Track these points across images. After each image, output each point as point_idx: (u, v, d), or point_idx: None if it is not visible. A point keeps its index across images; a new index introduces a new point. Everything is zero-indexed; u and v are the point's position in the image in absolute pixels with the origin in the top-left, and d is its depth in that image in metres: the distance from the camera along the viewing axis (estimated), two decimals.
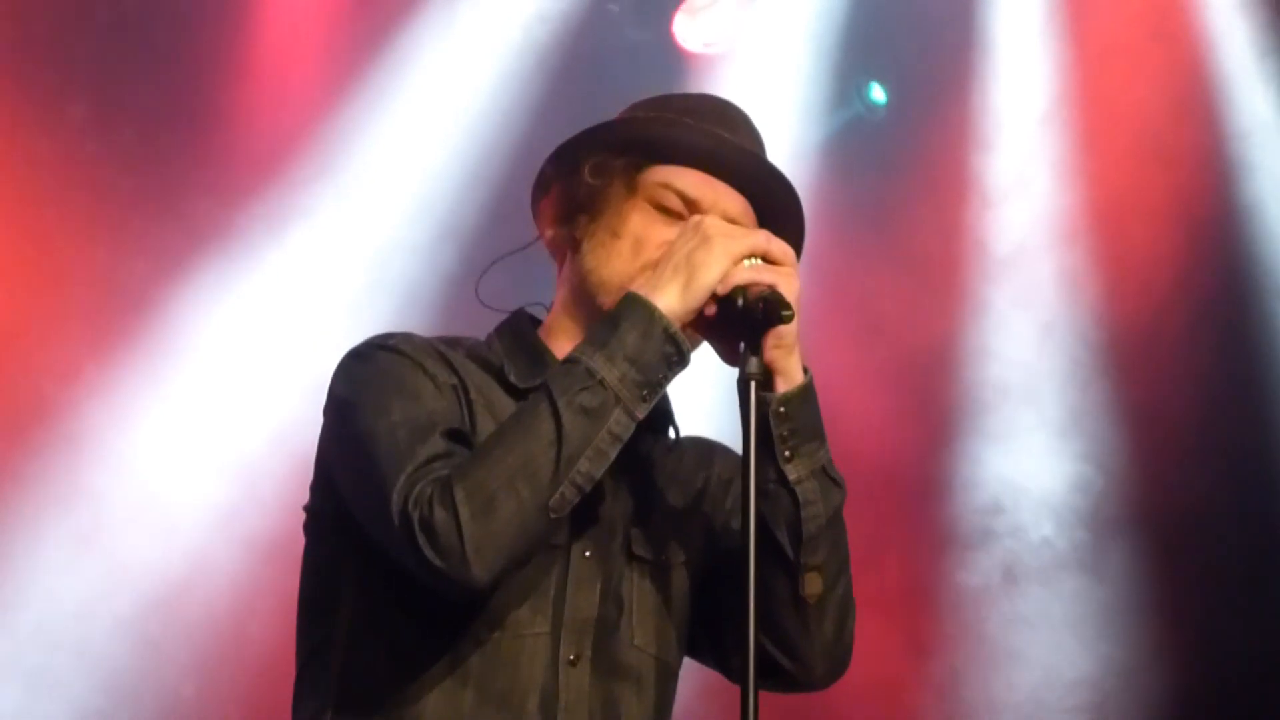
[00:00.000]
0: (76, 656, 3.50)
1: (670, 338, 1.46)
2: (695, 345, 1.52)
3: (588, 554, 1.59)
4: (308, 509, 1.58)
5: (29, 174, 3.51)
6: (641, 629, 1.63)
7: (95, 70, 3.72)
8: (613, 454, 1.45)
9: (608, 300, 1.59)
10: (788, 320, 1.43)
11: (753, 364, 1.43)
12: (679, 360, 1.48)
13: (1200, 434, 4.24)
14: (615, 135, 1.68)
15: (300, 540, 1.59)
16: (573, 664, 1.55)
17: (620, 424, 1.45)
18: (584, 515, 1.58)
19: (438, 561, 1.33)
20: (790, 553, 1.56)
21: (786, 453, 1.53)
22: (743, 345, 1.44)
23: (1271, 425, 4.08)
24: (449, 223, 3.64)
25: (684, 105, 1.78)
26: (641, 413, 1.46)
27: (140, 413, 3.34)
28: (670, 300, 1.46)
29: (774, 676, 1.60)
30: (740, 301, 1.42)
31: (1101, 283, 4.21)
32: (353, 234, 3.67)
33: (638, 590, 1.65)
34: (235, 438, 3.34)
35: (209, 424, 3.36)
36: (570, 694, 1.54)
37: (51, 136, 3.56)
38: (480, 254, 2.65)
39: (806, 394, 1.56)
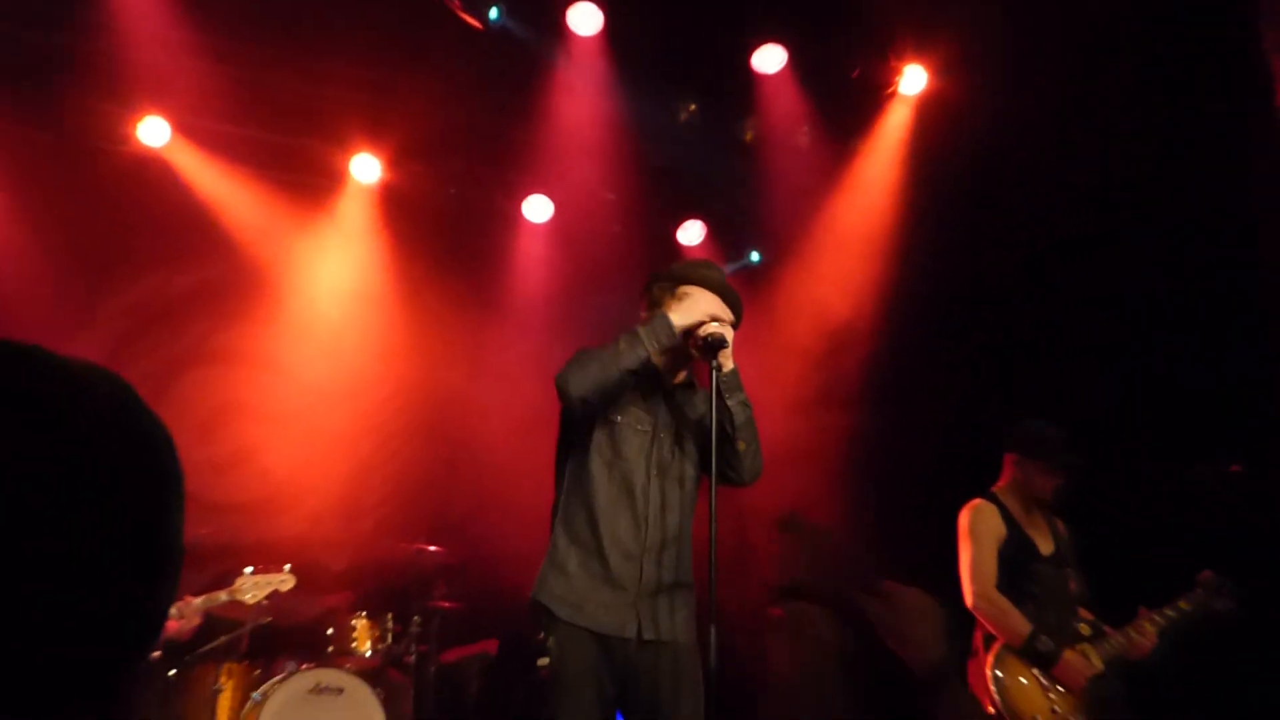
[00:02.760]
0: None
1: (669, 328, 2.94)
2: (695, 357, 3.09)
3: (661, 435, 3.09)
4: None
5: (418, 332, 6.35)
6: (683, 460, 3.15)
7: (436, 273, 6.47)
8: (637, 366, 2.92)
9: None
10: (725, 346, 2.87)
11: (714, 363, 2.87)
12: (671, 337, 2.96)
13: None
14: (667, 276, 3.19)
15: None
16: (655, 475, 3.06)
17: (642, 353, 2.91)
18: (660, 418, 3.10)
19: (563, 392, 2.93)
20: (731, 431, 3.00)
21: (727, 395, 2.97)
22: (710, 357, 2.89)
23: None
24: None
25: (693, 263, 3.29)
26: (655, 352, 2.93)
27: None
28: (675, 318, 2.94)
29: (729, 482, 3.09)
30: (708, 338, 2.87)
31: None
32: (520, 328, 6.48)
33: (678, 447, 3.14)
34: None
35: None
36: (652, 486, 3.06)
37: (424, 307, 6.40)
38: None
39: (734, 374, 2.99)
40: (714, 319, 3.05)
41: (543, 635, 3.07)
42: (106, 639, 0.74)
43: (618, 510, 3.09)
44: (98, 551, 0.73)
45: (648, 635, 3.07)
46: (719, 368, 2.99)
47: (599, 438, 3.13)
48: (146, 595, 0.77)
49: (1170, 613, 4.30)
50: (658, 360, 3.06)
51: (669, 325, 3.01)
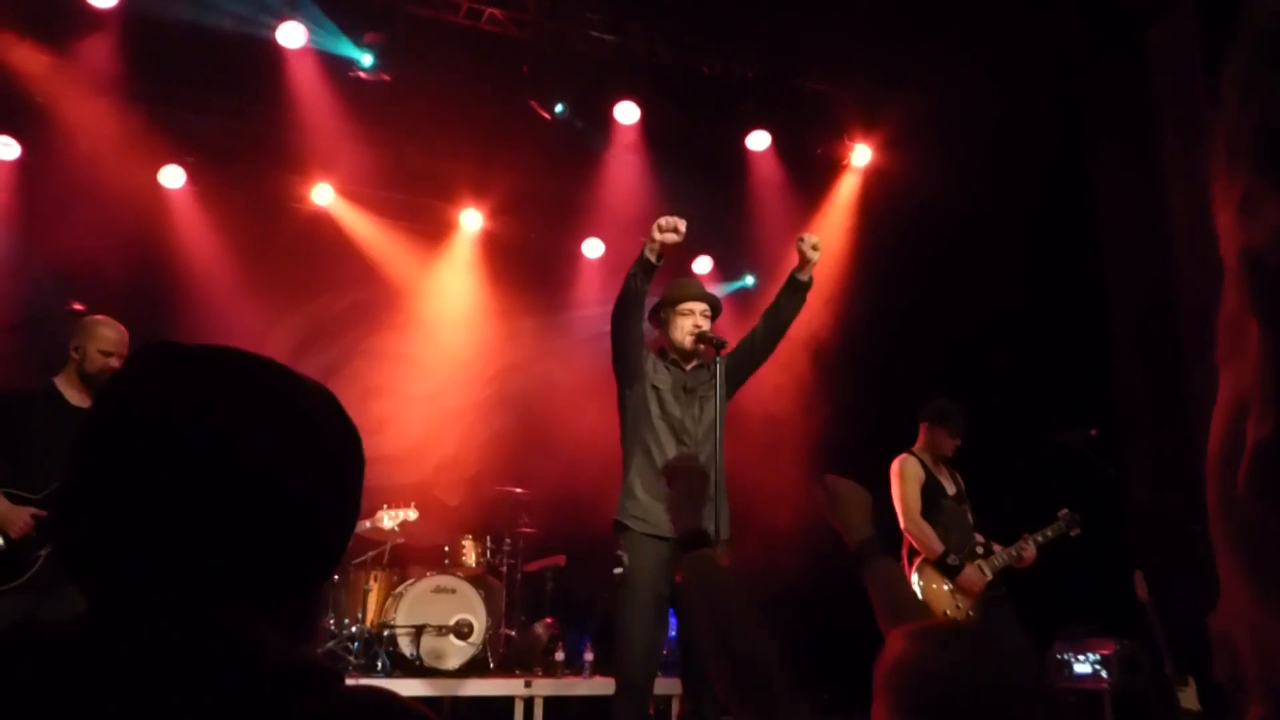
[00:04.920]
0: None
1: (643, 257, 3.70)
2: (708, 349, 3.80)
3: (691, 396, 3.89)
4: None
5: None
6: (703, 412, 3.88)
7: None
8: (642, 273, 3.73)
9: (675, 341, 3.96)
10: (726, 344, 3.78)
11: (715, 357, 3.67)
12: (646, 261, 3.72)
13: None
14: (666, 296, 4.03)
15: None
16: (692, 422, 3.86)
17: (643, 264, 3.73)
18: (689, 386, 3.91)
19: (616, 308, 3.84)
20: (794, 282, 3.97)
21: (802, 274, 4.00)
22: (715, 350, 3.75)
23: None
24: None
25: (685, 282, 4.13)
26: (640, 267, 3.72)
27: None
28: (647, 253, 3.67)
29: (782, 324, 4.04)
30: (709, 337, 3.80)
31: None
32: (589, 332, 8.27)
33: (701, 404, 3.90)
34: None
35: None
36: (693, 426, 3.87)
37: (512, 318, 7.84)
38: None
39: (809, 281, 3.96)
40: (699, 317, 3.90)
41: (619, 551, 3.67)
42: (325, 555, 0.96)
43: (669, 444, 3.74)
44: (327, 498, 0.95)
45: None
46: (719, 345, 3.82)
47: (651, 400, 3.83)
48: (344, 526, 0.97)
49: (1040, 538, 5.03)
50: (644, 269, 3.76)
51: (644, 256, 3.75)
